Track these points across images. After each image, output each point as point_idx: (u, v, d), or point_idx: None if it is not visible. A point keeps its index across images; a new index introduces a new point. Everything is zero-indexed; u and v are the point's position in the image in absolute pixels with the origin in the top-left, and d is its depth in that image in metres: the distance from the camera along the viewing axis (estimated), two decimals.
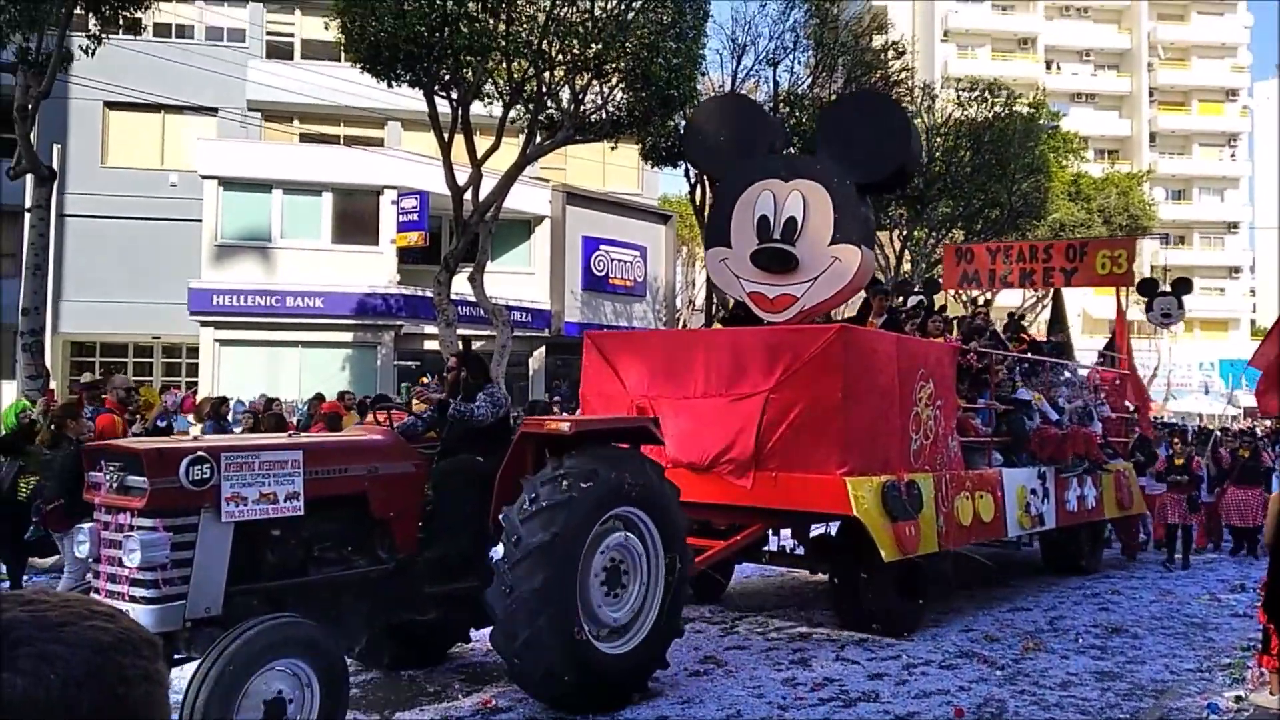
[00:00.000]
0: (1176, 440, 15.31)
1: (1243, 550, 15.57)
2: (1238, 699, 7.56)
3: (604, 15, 18.44)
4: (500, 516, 6.62)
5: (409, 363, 26.54)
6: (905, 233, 30.49)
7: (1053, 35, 64.57)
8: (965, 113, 29.90)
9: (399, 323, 26.07)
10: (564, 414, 14.60)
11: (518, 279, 28.07)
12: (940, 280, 18.89)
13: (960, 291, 17.47)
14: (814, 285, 9.45)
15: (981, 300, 16.76)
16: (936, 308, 14.99)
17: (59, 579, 9.27)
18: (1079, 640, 9.45)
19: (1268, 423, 18.21)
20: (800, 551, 10.52)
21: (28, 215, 16.95)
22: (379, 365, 25.93)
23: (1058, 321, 17.24)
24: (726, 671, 8.08)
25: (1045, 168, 33.41)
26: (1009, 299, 41.30)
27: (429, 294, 20.79)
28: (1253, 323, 63.12)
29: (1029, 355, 13.20)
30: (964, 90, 30.63)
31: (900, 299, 15.81)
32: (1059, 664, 8.55)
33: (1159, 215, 51.34)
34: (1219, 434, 19.79)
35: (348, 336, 26.28)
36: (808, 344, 8.81)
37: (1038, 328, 26.64)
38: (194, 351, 26.63)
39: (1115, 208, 42.49)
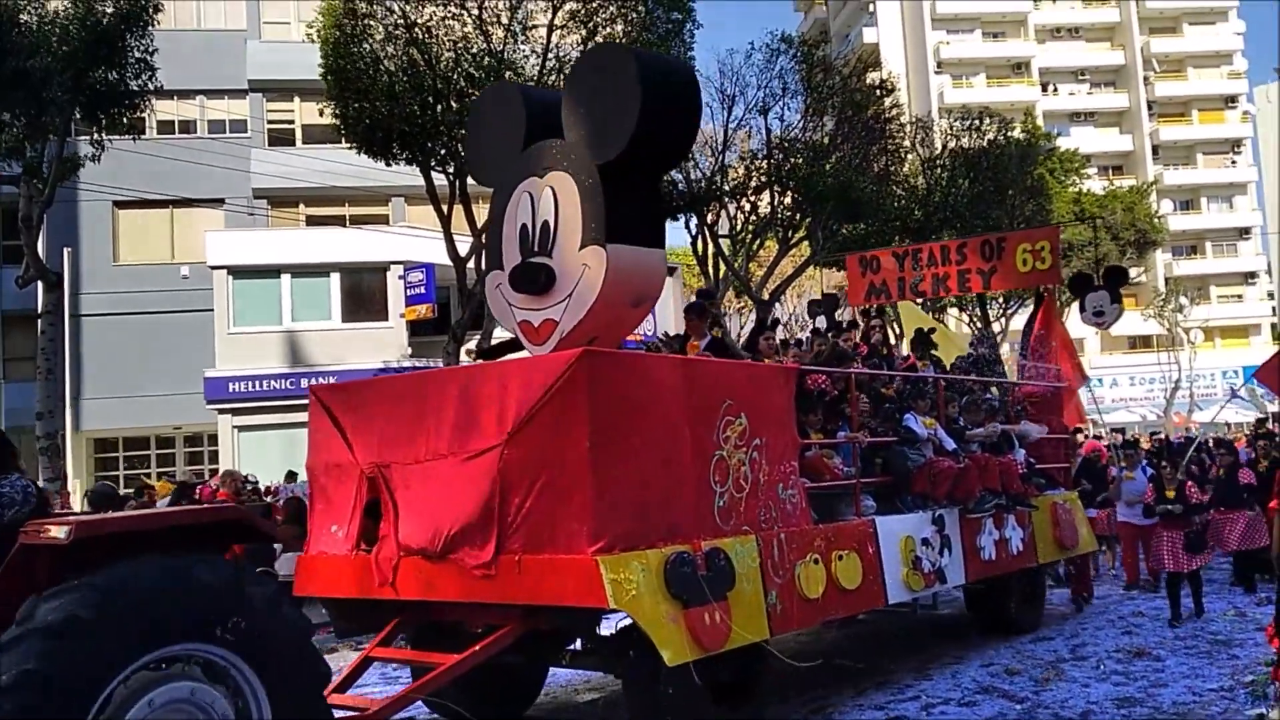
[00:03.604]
0: (1166, 465, 12.27)
1: (1248, 581, 12.98)
2: (1259, 717, 7.47)
3: None
4: None
5: None
6: None
7: (1046, 58, 64.92)
8: (959, 143, 30.12)
9: None
10: None
11: None
12: (840, 295, 15.96)
13: (868, 306, 15.20)
14: (569, 304, 7.02)
15: (874, 311, 14.28)
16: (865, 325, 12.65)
17: None
18: (1100, 667, 9.32)
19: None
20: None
21: (39, 321, 17.32)
22: None
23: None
24: None
25: (1045, 189, 33.52)
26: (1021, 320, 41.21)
27: (440, 364, 21.01)
28: (1273, 327, 62.70)
29: (912, 374, 10.93)
30: (956, 120, 30.90)
31: (817, 319, 14.42)
32: (1079, 693, 8.44)
33: (1169, 227, 51.17)
34: (1200, 444, 17.04)
35: None
36: (542, 377, 6.54)
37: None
38: (215, 439, 26.93)
39: (1122, 223, 42.39)
